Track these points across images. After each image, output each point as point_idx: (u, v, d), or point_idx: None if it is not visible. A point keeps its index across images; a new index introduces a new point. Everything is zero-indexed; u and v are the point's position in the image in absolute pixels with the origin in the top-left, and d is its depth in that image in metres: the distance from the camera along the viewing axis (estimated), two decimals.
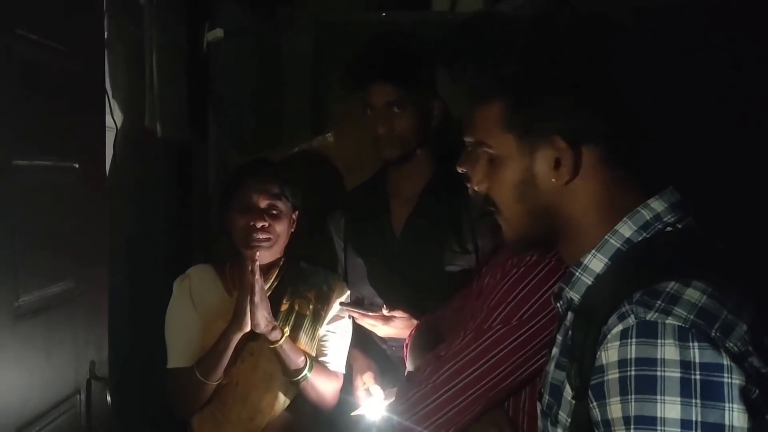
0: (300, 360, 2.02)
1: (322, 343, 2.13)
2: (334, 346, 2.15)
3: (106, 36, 1.96)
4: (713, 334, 0.88)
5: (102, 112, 1.92)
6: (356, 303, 2.18)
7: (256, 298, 1.94)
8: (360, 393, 2.13)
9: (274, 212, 2.07)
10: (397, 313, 2.04)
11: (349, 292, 2.19)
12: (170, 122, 2.33)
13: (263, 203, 2.06)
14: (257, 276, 1.94)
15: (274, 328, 1.98)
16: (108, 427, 1.87)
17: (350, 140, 2.55)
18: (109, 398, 1.84)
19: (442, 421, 1.43)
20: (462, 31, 1.18)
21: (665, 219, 1.01)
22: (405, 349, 1.83)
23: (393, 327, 2.05)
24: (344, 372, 2.16)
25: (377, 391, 2.08)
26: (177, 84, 2.38)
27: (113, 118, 2.05)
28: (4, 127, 1.48)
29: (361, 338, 2.20)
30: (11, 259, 1.51)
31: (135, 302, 2.27)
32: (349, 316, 2.16)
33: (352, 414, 2.08)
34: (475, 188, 1.18)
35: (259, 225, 2.04)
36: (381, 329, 2.07)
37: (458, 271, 2.08)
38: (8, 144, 1.50)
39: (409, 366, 1.76)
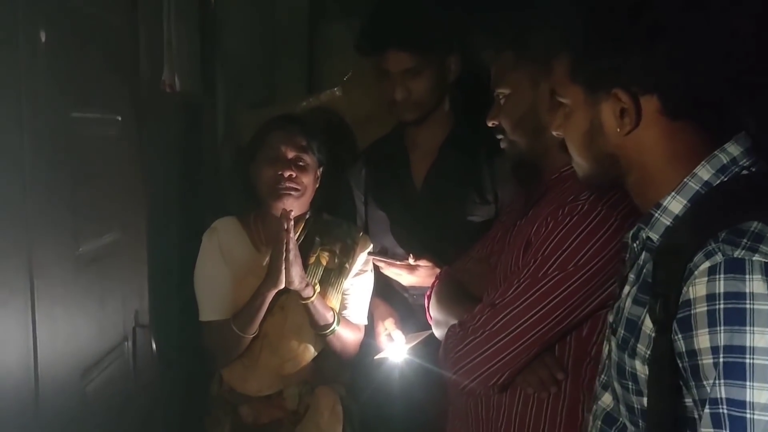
0: (329, 315, 2.09)
1: (346, 296, 2.20)
2: (358, 299, 2.21)
3: None
4: None
5: (137, 65, 1.94)
6: (380, 253, 2.24)
7: (291, 256, 1.98)
8: (382, 338, 2.21)
9: (301, 164, 2.10)
10: (422, 262, 2.10)
11: (371, 245, 2.24)
12: (186, 76, 2.35)
13: (291, 154, 2.09)
14: (292, 234, 1.99)
15: (307, 285, 2.04)
16: (153, 373, 1.93)
17: (358, 94, 2.58)
18: (154, 345, 1.90)
19: (499, 365, 1.51)
20: None
21: (741, 163, 1.06)
22: (426, 300, 1.90)
23: (417, 276, 2.11)
24: (366, 323, 2.23)
25: (399, 335, 2.16)
26: (191, 39, 2.39)
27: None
28: (63, 80, 1.50)
29: (382, 287, 2.26)
30: (73, 208, 1.54)
31: (154, 252, 2.29)
32: (373, 266, 2.22)
33: (376, 357, 2.17)
34: (553, 132, 1.25)
35: (287, 174, 2.06)
36: (405, 278, 2.14)
37: (479, 222, 2.14)
38: (67, 96, 1.52)
39: (435, 314, 1.82)
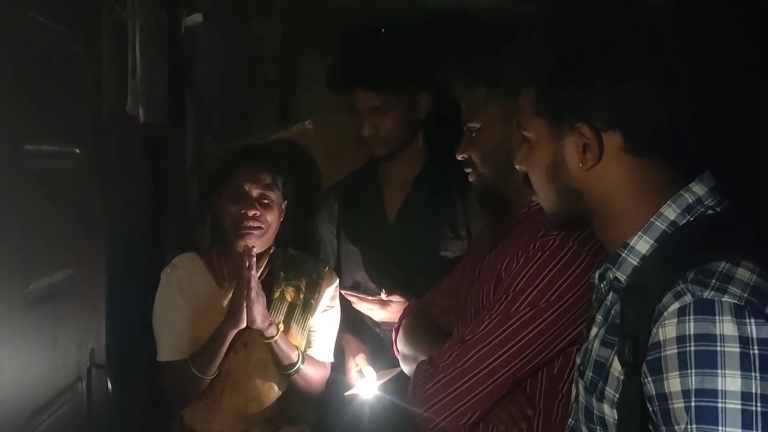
0: (293, 354, 2.03)
1: (312, 332, 2.14)
2: (324, 335, 2.16)
3: (101, 18, 1.92)
4: (767, 311, 0.93)
5: (98, 96, 1.89)
6: (352, 288, 2.20)
7: (253, 294, 1.92)
8: (353, 374, 2.16)
9: (266, 201, 2.06)
10: (395, 298, 2.07)
11: (338, 281, 2.20)
12: (151, 107, 2.30)
13: (255, 192, 2.05)
14: (253, 271, 1.93)
15: (270, 324, 1.98)
16: (108, 413, 1.86)
17: (331, 127, 2.55)
18: (109, 385, 1.83)
19: (471, 404, 1.47)
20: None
21: (706, 202, 1.05)
22: (394, 333, 1.86)
23: (389, 311, 2.08)
24: (332, 360, 2.18)
25: (370, 371, 2.12)
26: (157, 69, 2.35)
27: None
28: (16, 110, 1.45)
29: (353, 322, 2.22)
30: (23, 245, 1.49)
31: (113, 289, 2.23)
32: (341, 301, 2.17)
33: (346, 394, 2.12)
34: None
35: (251, 214, 2.02)
36: (377, 313, 2.10)
37: (452, 257, 2.12)
38: (20, 127, 1.47)
39: (403, 348, 1.79)
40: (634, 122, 1.05)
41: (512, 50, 1.45)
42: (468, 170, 1.64)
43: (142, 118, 2.25)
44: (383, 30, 2.19)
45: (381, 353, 2.18)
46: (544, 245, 1.45)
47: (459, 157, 1.64)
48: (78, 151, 1.74)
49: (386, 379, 2.06)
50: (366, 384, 2.10)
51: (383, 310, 2.09)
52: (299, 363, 2.04)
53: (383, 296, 2.08)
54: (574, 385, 1.22)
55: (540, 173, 1.17)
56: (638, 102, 1.04)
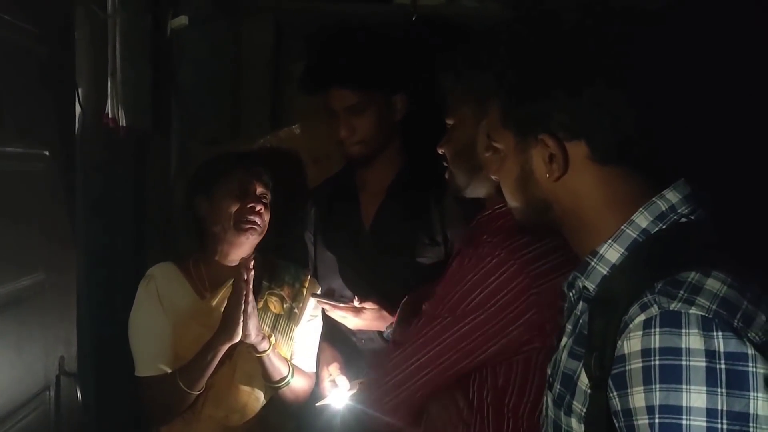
0: (284, 367, 1.99)
1: (295, 342, 2.10)
2: (307, 345, 2.12)
3: (76, 19, 1.89)
4: (736, 324, 0.89)
5: (72, 97, 1.86)
6: (326, 295, 2.16)
7: (249, 308, 1.87)
8: (326, 384, 2.11)
9: (265, 201, 2.04)
10: (368, 305, 2.03)
11: (320, 289, 2.16)
12: (133, 110, 2.26)
13: (258, 189, 2.03)
14: (251, 285, 1.87)
15: (263, 338, 1.93)
16: (79, 424, 1.81)
17: (316, 132, 2.51)
18: (79, 394, 1.78)
19: (396, 402, 1.50)
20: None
21: (679, 210, 1.03)
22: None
23: (363, 319, 2.04)
24: (315, 370, 2.14)
25: (343, 381, 2.07)
26: (140, 71, 2.31)
27: (80, 104, 1.97)
28: None
29: (329, 330, 2.18)
30: None
31: (94, 295, 2.19)
32: (316, 308, 2.13)
33: (317, 404, 2.06)
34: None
35: (257, 208, 1.99)
36: (351, 321, 2.06)
37: (428, 263, 2.08)
38: None
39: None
40: (597, 131, 1.04)
41: (477, 60, 1.44)
42: (445, 164, 1.64)
43: (122, 122, 2.20)
44: (358, 30, 2.14)
45: (357, 362, 2.15)
46: (474, 253, 1.43)
47: (439, 151, 1.63)
48: (47, 153, 1.70)
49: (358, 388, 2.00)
50: (338, 394, 2.04)
51: (357, 317, 2.04)
52: (289, 376, 2.00)
53: (356, 303, 2.04)
54: (544, 396, 1.19)
55: (510, 184, 1.17)
56: (600, 110, 1.03)
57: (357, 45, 2.08)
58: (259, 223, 2.00)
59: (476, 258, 1.42)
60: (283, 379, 1.99)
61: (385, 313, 2.00)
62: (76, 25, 1.96)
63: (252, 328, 1.88)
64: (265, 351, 1.93)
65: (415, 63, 2.12)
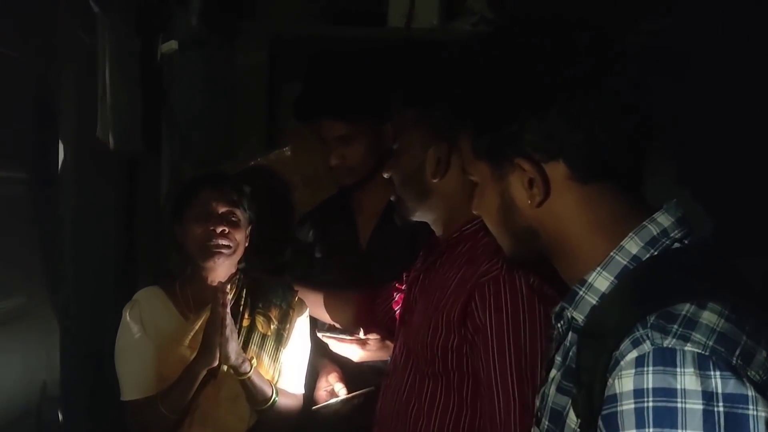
0: (267, 389, 1.96)
1: (283, 363, 2.07)
2: (295, 366, 2.09)
3: (59, 44, 1.90)
4: (734, 362, 0.83)
5: (54, 121, 1.86)
6: (330, 329, 2.14)
7: (227, 332, 1.85)
8: (322, 392, 2.11)
9: (233, 219, 2.00)
10: (372, 336, 2.01)
11: (308, 310, 2.13)
12: (122, 134, 2.26)
13: (222, 209, 1.99)
14: (228, 309, 1.86)
15: (243, 361, 1.91)
16: None
17: (307, 154, 2.52)
18: (61, 418, 1.77)
19: None
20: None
21: (672, 234, 0.96)
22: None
23: (367, 350, 2.02)
24: (303, 392, 2.10)
25: (341, 388, 2.07)
26: (130, 95, 2.31)
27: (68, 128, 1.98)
28: None
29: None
30: None
31: (82, 320, 2.18)
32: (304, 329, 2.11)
33: (314, 408, 2.07)
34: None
35: (219, 230, 1.95)
36: (355, 354, 2.04)
37: None
38: None
39: None
40: (572, 147, 0.97)
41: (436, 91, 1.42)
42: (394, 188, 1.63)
43: (112, 145, 2.21)
44: (347, 59, 2.18)
45: (357, 375, 2.12)
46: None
47: (385, 175, 1.62)
48: (28, 177, 1.70)
49: (357, 398, 2.02)
50: (336, 402, 2.05)
51: (362, 350, 2.02)
52: (274, 397, 1.97)
53: (361, 335, 2.02)
54: None
55: (492, 216, 1.10)
56: (571, 126, 0.96)
57: (346, 76, 2.11)
58: (225, 244, 1.97)
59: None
60: (267, 400, 1.95)
61: (388, 343, 1.97)
62: (64, 50, 1.97)
63: (231, 352, 1.86)
64: (246, 373, 1.90)
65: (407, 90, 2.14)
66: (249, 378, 1.91)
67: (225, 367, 1.94)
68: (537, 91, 0.97)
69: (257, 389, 1.93)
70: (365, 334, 2.02)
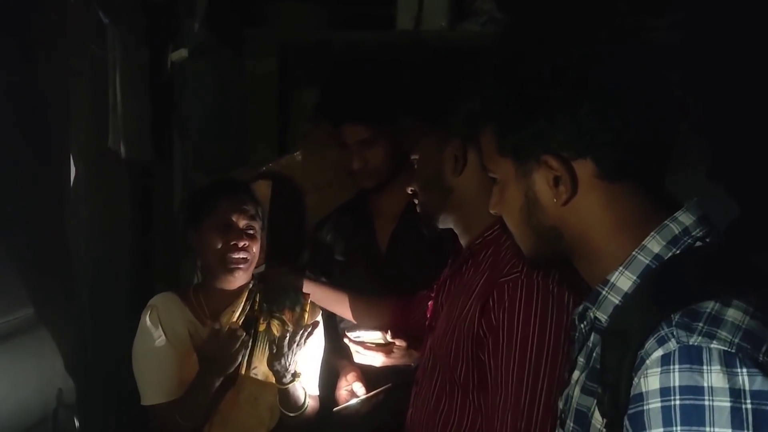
0: (301, 396, 1.98)
1: (299, 366, 2.08)
2: (310, 368, 2.09)
3: (69, 56, 1.92)
4: (761, 358, 0.83)
5: (66, 131, 1.88)
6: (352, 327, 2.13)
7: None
8: (342, 392, 2.11)
9: (251, 232, 2.02)
10: (399, 341, 2.00)
11: (321, 312, 2.14)
12: (134, 143, 2.28)
13: (242, 223, 2.01)
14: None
15: (287, 372, 1.92)
16: None
17: (318, 159, 2.52)
18: (77, 424, 1.78)
19: None
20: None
21: (694, 233, 0.96)
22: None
23: (391, 357, 2.01)
24: (318, 393, 2.12)
25: (359, 388, 2.07)
26: (141, 104, 2.34)
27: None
28: None
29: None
30: None
31: (96, 327, 2.20)
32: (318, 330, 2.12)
33: (335, 409, 2.06)
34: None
35: (241, 245, 1.97)
36: (379, 360, 2.03)
37: None
38: None
39: None
40: (601, 145, 0.96)
41: (463, 90, 1.40)
42: (416, 201, 1.62)
43: (124, 155, 2.23)
44: (366, 63, 2.16)
45: (374, 371, 2.10)
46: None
47: (408, 191, 1.62)
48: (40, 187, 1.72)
49: (376, 396, 2.02)
50: (356, 402, 2.05)
51: (387, 357, 2.02)
52: (306, 402, 1.98)
53: (388, 337, 2.01)
54: None
55: (514, 215, 1.08)
56: (601, 123, 0.95)
57: (368, 80, 2.10)
58: (244, 257, 2.00)
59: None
60: (301, 407, 1.97)
61: (412, 351, 1.98)
62: (75, 60, 2.00)
63: (281, 369, 1.89)
64: (290, 383, 1.92)
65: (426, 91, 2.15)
66: (288, 387, 1.93)
67: (243, 371, 1.96)
68: (569, 86, 0.96)
69: (295, 396, 1.95)
70: (392, 338, 2.01)
